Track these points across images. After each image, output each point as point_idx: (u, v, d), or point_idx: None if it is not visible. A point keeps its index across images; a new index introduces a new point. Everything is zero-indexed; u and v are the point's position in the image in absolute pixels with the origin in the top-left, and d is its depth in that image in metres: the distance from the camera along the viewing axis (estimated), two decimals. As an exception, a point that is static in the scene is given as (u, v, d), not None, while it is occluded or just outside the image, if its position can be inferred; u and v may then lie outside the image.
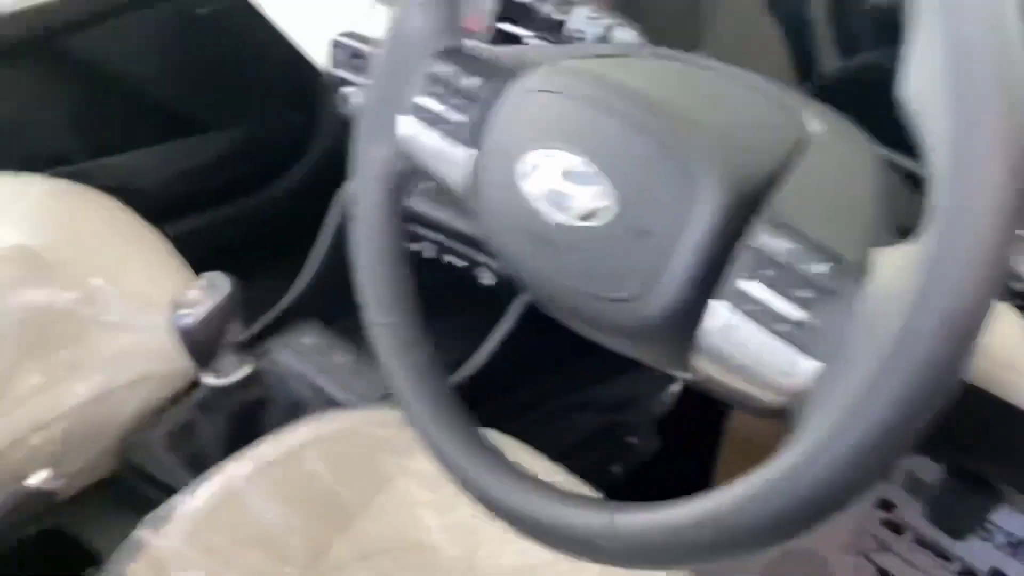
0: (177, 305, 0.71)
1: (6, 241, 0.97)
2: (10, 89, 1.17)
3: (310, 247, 1.03)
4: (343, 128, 1.28)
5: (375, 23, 0.83)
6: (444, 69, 0.46)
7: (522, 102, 0.41)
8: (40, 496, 0.70)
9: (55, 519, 0.77)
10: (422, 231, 0.89)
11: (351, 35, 0.83)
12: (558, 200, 0.38)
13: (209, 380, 0.76)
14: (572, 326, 0.43)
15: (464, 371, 0.84)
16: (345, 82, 0.84)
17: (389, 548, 0.66)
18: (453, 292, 0.90)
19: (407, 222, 0.87)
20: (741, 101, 0.40)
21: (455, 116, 0.45)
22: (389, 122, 0.48)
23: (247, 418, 0.79)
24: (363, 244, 0.51)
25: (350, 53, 0.82)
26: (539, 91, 0.40)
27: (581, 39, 0.52)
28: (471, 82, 0.44)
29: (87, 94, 1.24)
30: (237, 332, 0.74)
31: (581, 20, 0.52)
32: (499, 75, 0.43)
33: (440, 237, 0.89)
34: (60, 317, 0.89)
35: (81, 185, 1.04)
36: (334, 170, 1.35)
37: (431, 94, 0.46)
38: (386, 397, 0.83)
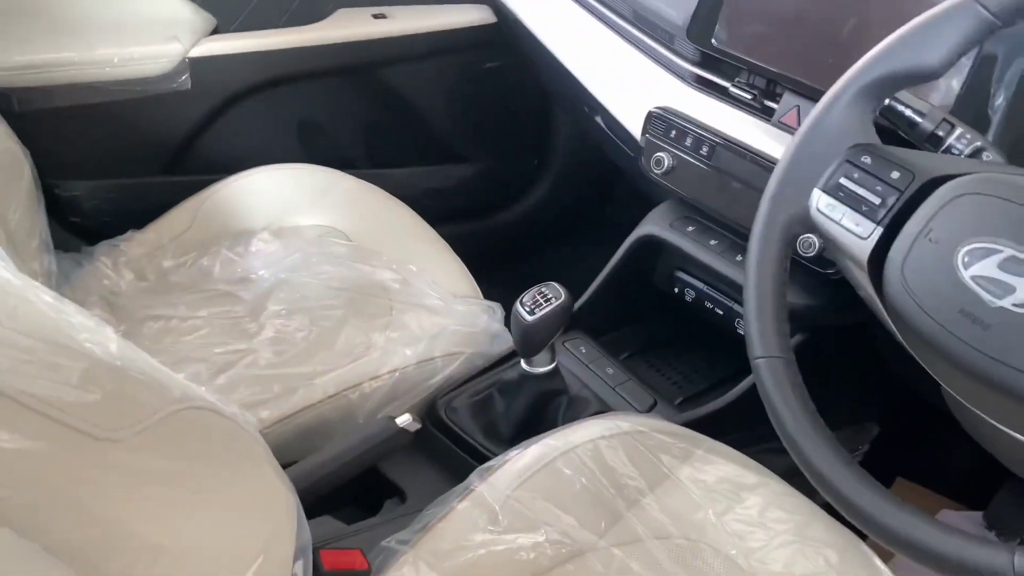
0: (520, 303, 0.85)
1: (323, 220, 1.17)
2: (330, 100, 1.39)
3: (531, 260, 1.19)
4: (564, 168, 1.49)
5: (683, 100, 0.98)
6: (864, 159, 0.59)
7: (965, 200, 0.53)
8: (403, 434, 0.85)
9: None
10: (687, 277, 1.01)
11: (667, 110, 0.97)
12: (998, 287, 0.49)
13: (526, 367, 0.90)
14: (966, 395, 0.54)
15: (709, 407, 0.95)
16: (656, 148, 0.98)
17: (671, 535, 0.77)
18: (711, 335, 1.02)
19: (679, 268, 1.01)
20: None
21: (872, 199, 0.57)
22: (803, 191, 0.61)
23: (540, 404, 0.93)
24: (754, 288, 0.63)
25: (664, 125, 0.96)
26: (984, 195, 0.52)
27: (955, 154, 0.65)
28: (893, 175, 0.57)
29: (382, 115, 1.46)
30: (559, 335, 0.88)
31: (956, 138, 0.65)
32: (920, 172, 0.56)
33: (702, 285, 0.99)
34: (379, 292, 1.06)
35: (373, 185, 1.23)
36: (556, 203, 1.56)
37: (850, 177, 0.59)
38: (653, 407, 0.96)
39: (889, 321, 0.58)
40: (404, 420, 0.86)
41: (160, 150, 1.29)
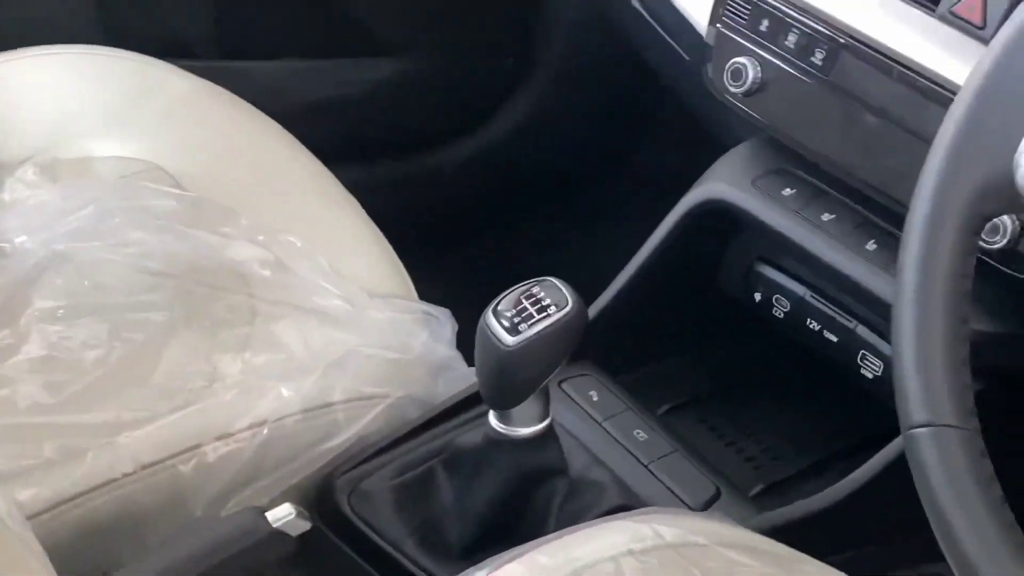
0: (494, 312, 0.54)
1: (135, 149, 0.79)
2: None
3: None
4: (560, 76, 1.06)
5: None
6: None
7: None
8: (279, 539, 0.57)
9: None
10: (778, 276, 0.71)
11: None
12: None
13: (497, 427, 0.58)
14: None
15: (811, 504, 0.64)
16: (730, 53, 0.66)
17: None
18: (816, 377, 0.73)
19: (763, 259, 0.71)
20: None
21: None
22: (1001, 147, 0.44)
23: (519, 492, 0.59)
24: (913, 305, 0.46)
25: (751, 11, 0.66)
26: None
27: None
28: None
29: None
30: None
31: None
32: None
33: (804, 291, 0.69)
34: (232, 282, 0.69)
35: (230, 92, 0.86)
36: (546, 138, 1.15)
37: None
38: (716, 498, 0.64)
39: None
40: (282, 514, 0.57)
41: None
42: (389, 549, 0.59)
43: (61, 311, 0.65)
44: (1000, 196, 0.46)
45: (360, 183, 0.82)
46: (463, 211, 1.13)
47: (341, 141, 0.92)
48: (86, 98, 0.82)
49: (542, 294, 0.54)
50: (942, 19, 0.59)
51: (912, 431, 0.45)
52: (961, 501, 0.44)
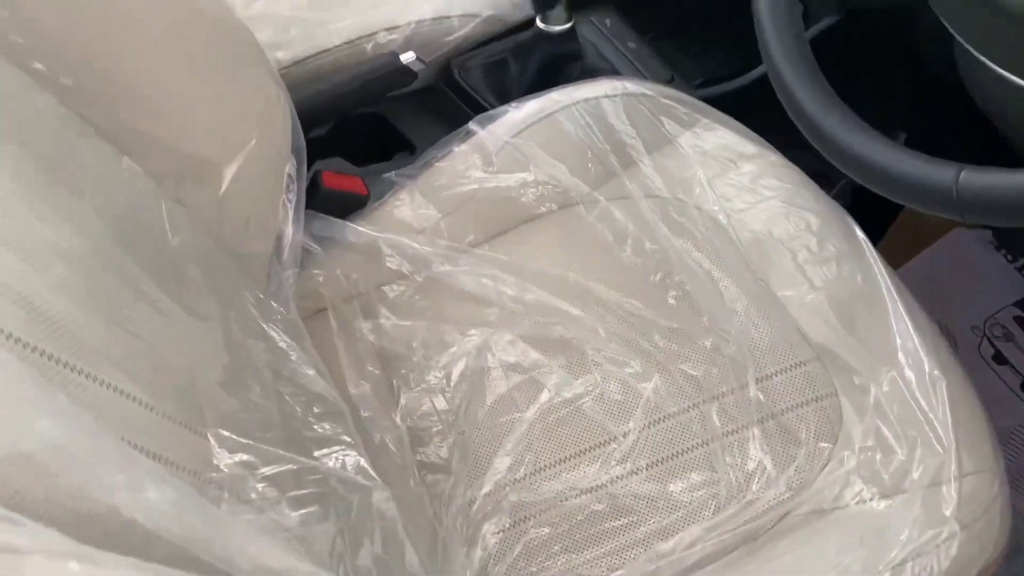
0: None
1: None
2: None
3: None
4: None
5: None
6: None
7: None
8: (406, 72, 0.86)
9: (385, 106, 0.95)
10: None
11: None
12: None
13: (541, 26, 0.88)
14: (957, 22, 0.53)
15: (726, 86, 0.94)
16: None
17: (660, 193, 0.80)
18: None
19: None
20: None
21: None
22: None
23: (553, 67, 0.92)
24: None
25: None
26: None
27: None
28: None
29: None
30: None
31: None
32: None
33: None
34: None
35: None
36: None
37: None
38: (669, 82, 0.95)
39: None
40: (408, 58, 0.86)
41: None
42: (479, 98, 0.93)
43: None
44: None
45: None
46: None
47: None
48: None
49: None
50: None
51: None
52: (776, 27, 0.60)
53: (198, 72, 0.55)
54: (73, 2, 0.49)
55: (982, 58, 0.55)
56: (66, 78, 0.48)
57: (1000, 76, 0.54)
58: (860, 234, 0.76)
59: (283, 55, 0.91)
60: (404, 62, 0.86)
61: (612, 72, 0.94)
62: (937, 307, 0.96)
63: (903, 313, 0.69)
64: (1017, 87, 0.54)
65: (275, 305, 0.57)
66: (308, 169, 0.72)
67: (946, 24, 0.55)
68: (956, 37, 0.55)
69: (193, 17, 0.55)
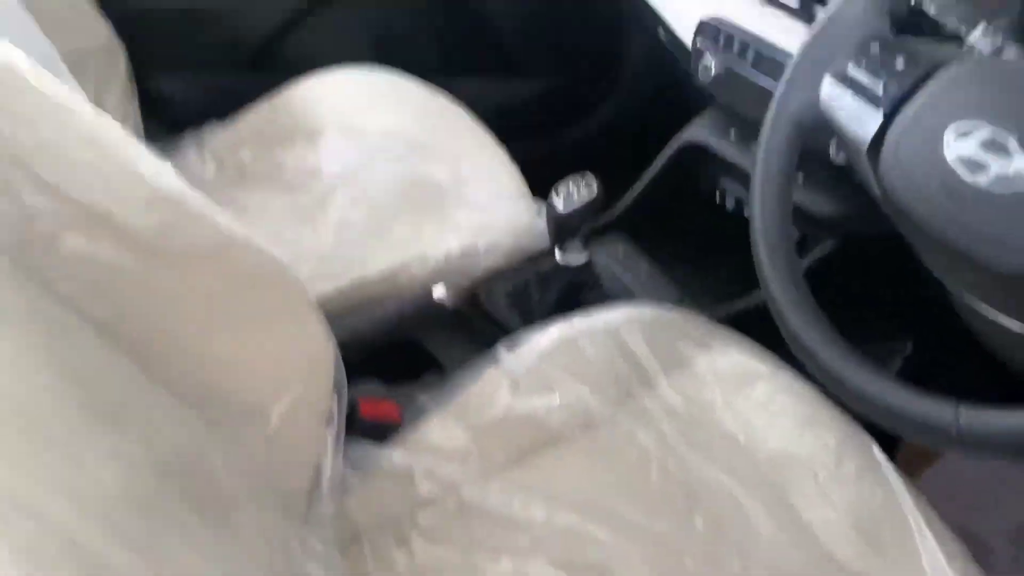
0: (554, 191, 0.91)
1: (390, 123, 1.23)
2: (407, 8, 1.45)
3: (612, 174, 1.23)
4: (640, 80, 1.48)
5: (734, 7, 0.99)
6: (873, 48, 0.61)
7: (951, 85, 0.55)
8: (436, 305, 0.93)
9: (416, 331, 1.01)
10: (730, 184, 1.05)
11: (716, 19, 0.99)
12: (976, 165, 0.52)
13: (560, 258, 0.96)
14: (946, 271, 0.58)
15: (735, 305, 0.99)
16: (705, 52, 0.99)
17: (679, 413, 0.83)
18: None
19: (722, 174, 1.04)
20: None
21: (875, 87, 0.60)
22: (815, 79, 0.64)
23: (572, 295, 0.99)
24: (762, 165, 0.67)
25: (715, 32, 0.98)
26: (972, 79, 0.54)
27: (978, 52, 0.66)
28: (898, 63, 0.59)
29: (455, 25, 1.50)
30: (590, 226, 0.93)
31: (980, 36, 0.66)
32: (922, 61, 0.58)
33: (744, 191, 1.03)
34: (433, 187, 1.13)
35: (444, 93, 1.28)
36: (631, 117, 1.56)
37: (859, 65, 0.61)
38: (680, 302, 1.01)
39: (883, 205, 0.61)
40: (439, 292, 0.93)
41: (246, 49, 1.38)
42: (504, 323, 1.01)
43: (347, 201, 1.08)
44: (814, 110, 0.63)
45: (514, 145, 1.16)
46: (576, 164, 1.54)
47: (504, 121, 1.25)
48: (366, 94, 1.24)
49: (581, 181, 0.91)
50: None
51: (754, 237, 0.67)
52: (772, 261, 0.64)
53: (256, 327, 0.60)
54: (145, 272, 0.56)
55: (977, 302, 0.60)
56: (128, 329, 0.53)
57: (995, 318, 0.59)
58: (878, 452, 0.78)
59: (324, 286, 0.99)
60: (436, 297, 0.92)
61: (628, 296, 1.01)
62: (966, 513, 0.95)
63: (928, 533, 0.69)
64: (1012, 330, 0.58)
65: (317, 543, 0.60)
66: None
67: (940, 278, 0.60)
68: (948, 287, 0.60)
69: (254, 278, 0.62)
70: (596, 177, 0.93)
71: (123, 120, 1.17)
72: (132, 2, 1.29)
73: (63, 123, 0.51)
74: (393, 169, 1.15)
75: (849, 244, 0.93)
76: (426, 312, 0.95)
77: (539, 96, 1.58)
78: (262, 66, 1.40)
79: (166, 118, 1.35)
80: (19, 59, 0.50)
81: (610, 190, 1.11)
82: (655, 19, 1.14)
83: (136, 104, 1.21)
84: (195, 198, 0.59)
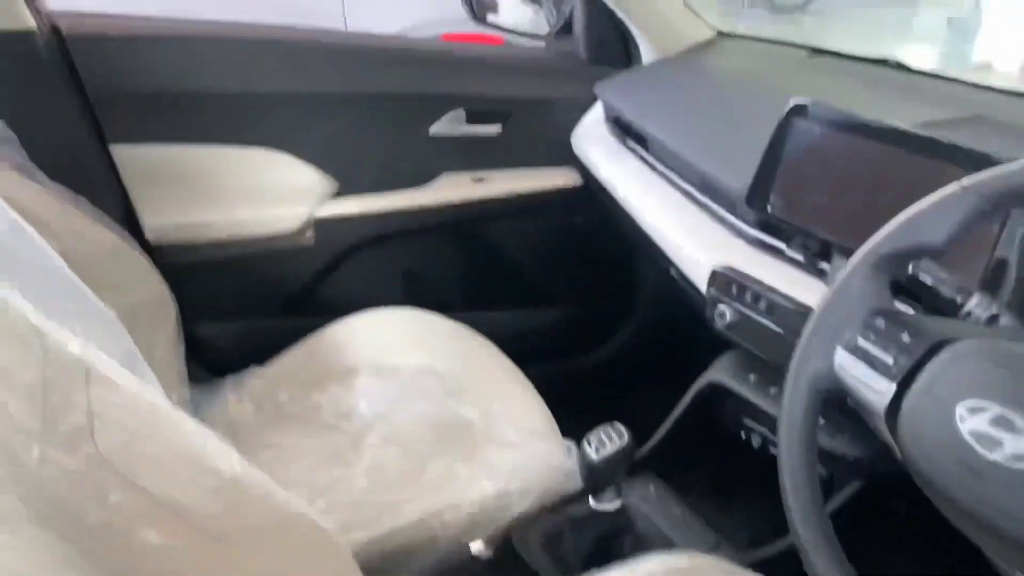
0: (586, 441, 0.94)
1: (420, 361, 1.30)
2: (433, 251, 1.56)
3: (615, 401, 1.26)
4: (648, 315, 1.57)
5: (744, 259, 1.06)
6: (879, 322, 0.66)
7: (958, 362, 0.60)
8: (475, 560, 0.93)
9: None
10: (753, 423, 1.07)
11: (727, 268, 1.06)
12: (990, 441, 0.55)
13: (594, 504, 0.97)
14: (970, 533, 0.59)
15: (771, 548, 0.99)
16: (719, 302, 1.06)
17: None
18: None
19: (745, 414, 1.07)
20: None
21: (886, 358, 0.64)
22: (828, 349, 0.68)
23: (608, 541, 0.99)
24: (786, 430, 0.70)
25: (726, 281, 1.05)
26: (979, 358, 0.59)
27: (975, 320, 0.71)
28: (904, 338, 0.64)
29: (479, 264, 1.62)
30: (623, 472, 0.95)
31: (975, 305, 0.71)
32: (927, 336, 0.63)
33: (768, 431, 1.05)
34: (465, 427, 1.17)
35: (468, 327, 1.36)
36: (647, 344, 1.63)
37: (867, 338, 0.66)
38: (715, 547, 1.00)
39: (906, 466, 0.63)
40: (476, 547, 0.94)
41: (283, 295, 1.48)
42: (541, 572, 1.01)
43: (380, 442, 1.11)
44: (829, 378, 0.67)
45: (538, 374, 1.23)
46: (595, 388, 1.62)
47: (528, 352, 1.34)
48: (397, 334, 1.31)
49: (612, 432, 0.96)
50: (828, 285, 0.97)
51: (784, 493, 0.69)
52: (800, 505, 0.66)
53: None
54: (205, 552, 0.58)
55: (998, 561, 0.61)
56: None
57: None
58: None
59: (358, 536, 1.00)
60: (473, 552, 0.93)
61: (664, 541, 1.01)
62: None
63: None
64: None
65: None
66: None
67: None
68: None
69: (304, 549, 0.64)
70: (624, 424, 0.96)
71: (170, 366, 1.24)
72: (183, 256, 1.40)
73: (144, 420, 0.56)
74: (425, 408, 1.20)
75: (875, 485, 0.94)
76: (461, 567, 0.94)
77: (557, 324, 1.66)
78: (297, 311, 1.49)
79: (209, 362, 1.42)
80: (101, 361, 0.55)
81: (636, 429, 1.16)
82: (667, 260, 1.22)
83: (183, 350, 1.27)
84: (258, 478, 0.62)
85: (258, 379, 1.31)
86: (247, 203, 1.41)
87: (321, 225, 1.43)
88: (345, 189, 1.49)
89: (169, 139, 1.36)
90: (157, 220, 1.37)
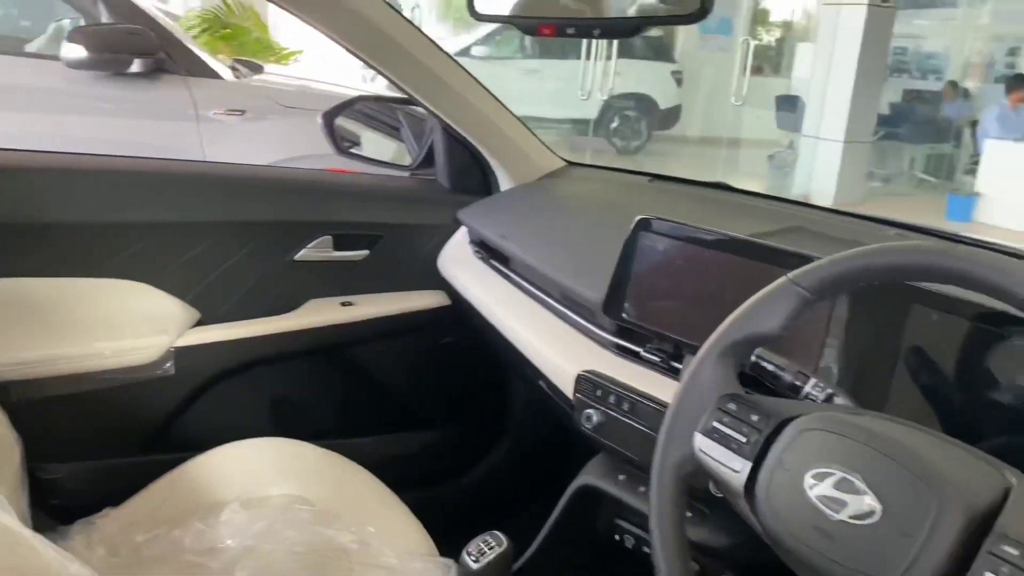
0: (466, 552, 0.94)
1: (290, 491, 1.26)
2: (301, 378, 1.55)
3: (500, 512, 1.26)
4: (522, 430, 1.61)
5: (605, 364, 1.12)
6: (731, 406, 0.72)
7: (801, 436, 0.66)
8: None
9: None
10: (626, 524, 1.10)
11: (591, 373, 1.11)
12: (836, 503, 0.61)
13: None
14: None
15: None
16: (586, 406, 1.10)
17: None
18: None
19: (617, 516, 1.10)
20: (954, 453, 0.62)
21: (739, 438, 0.70)
22: (687, 433, 0.73)
23: None
24: (656, 515, 0.74)
25: (591, 385, 1.10)
26: (820, 430, 0.65)
27: (813, 400, 0.79)
28: (753, 418, 0.70)
29: (350, 389, 1.61)
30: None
31: (812, 387, 0.79)
32: (775, 414, 0.69)
33: (640, 531, 1.09)
34: (339, 554, 1.13)
35: (340, 455, 1.34)
36: (521, 459, 1.65)
37: (721, 421, 0.72)
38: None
39: (766, 540, 0.67)
40: None
41: (141, 431, 1.41)
42: None
43: None
44: (692, 462, 0.71)
45: (415, 497, 1.23)
46: (474, 507, 1.64)
47: (404, 475, 1.32)
48: (265, 465, 1.26)
49: (491, 540, 0.95)
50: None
51: None
52: None
53: None
54: None
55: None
56: None
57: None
58: None
59: None
60: None
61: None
62: None
63: None
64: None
65: None
66: None
67: None
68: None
69: None
70: (502, 533, 0.97)
71: (14, 512, 1.14)
72: (30, 392, 1.32)
73: None
74: (296, 537, 1.16)
75: (746, 573, 0.98)
76: None
77: (432, 445, 1.66)
78: (157, 448, 1.42)
79: (57, 507, 1.32)
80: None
81: (516, 540, 1.16)
82: (536, 372, 1.27)
83: (26, 496, 1.18)
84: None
85: (111, 522, 1.23)
86: (102, 335, 1.36)
87: (182, 354, 1.39)
88: (207, 318, 1.47)
89: (15, 272, 1.31)
90: (1, 357, 1.29)
